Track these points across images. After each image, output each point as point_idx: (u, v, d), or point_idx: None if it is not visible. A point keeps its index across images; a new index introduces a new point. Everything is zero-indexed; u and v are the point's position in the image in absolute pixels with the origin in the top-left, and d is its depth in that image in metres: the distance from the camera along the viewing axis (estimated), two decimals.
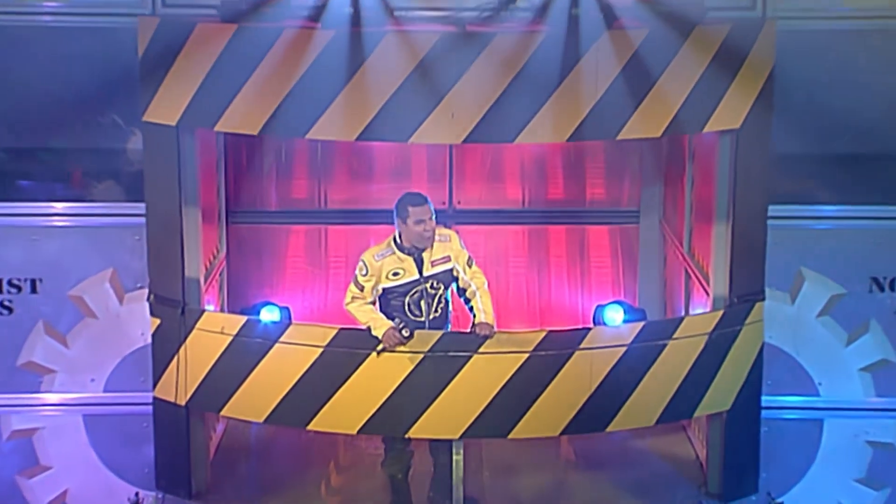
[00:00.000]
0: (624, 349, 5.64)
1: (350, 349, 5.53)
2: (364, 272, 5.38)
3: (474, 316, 5.33)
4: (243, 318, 5.73)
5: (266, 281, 7.25)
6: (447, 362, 5.45)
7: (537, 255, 7.40)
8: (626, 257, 7.40)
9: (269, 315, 6.66)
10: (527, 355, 5.51)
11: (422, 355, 5.47)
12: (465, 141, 5.44)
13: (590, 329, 5.82)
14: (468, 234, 6.06)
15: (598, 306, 7.23)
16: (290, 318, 6.84)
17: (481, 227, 7.20)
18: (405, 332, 5.24)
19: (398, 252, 5.40)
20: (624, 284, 7.43)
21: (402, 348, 5.39)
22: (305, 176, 7.20)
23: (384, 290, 5.43)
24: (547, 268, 7.40)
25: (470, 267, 5.47)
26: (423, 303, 5.43)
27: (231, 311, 6.63)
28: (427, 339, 5.48)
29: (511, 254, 7.37)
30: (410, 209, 5.28)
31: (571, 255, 7.44)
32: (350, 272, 5.69)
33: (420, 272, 5.38)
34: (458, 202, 7.25)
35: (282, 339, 5.65)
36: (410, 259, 5.35)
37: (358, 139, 5.40)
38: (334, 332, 5.57)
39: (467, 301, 5.43)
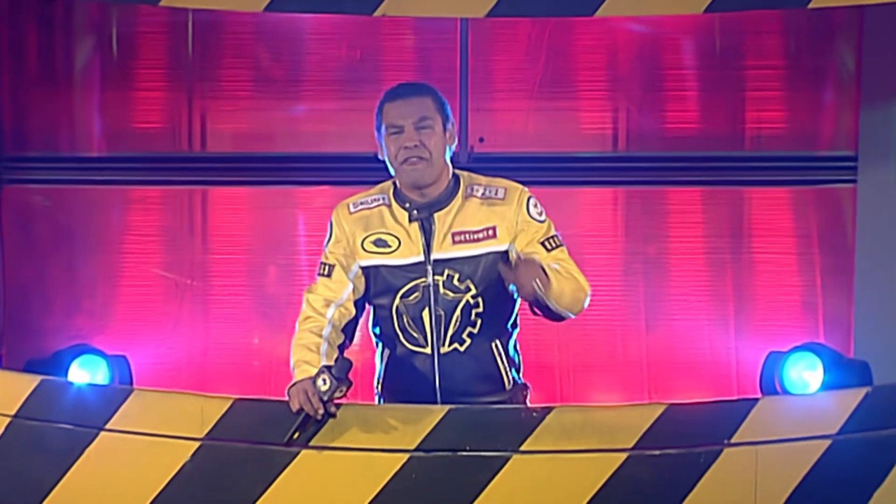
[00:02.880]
0: (827, 444, 4.55)
1: (255, 443, 4.47)
2: (329, 234, 4.44)
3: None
4: (33, 381, 4.66)
5: (79, 301, 6.61)
6: (458, 472, 4.40)
7: (638, 244, 6.66)
8: (827, 249, 6.57)
9: (84, 373, 6.17)
10: (623, 456, 4.48)
11: (405, 457, 4.37)
12: (492, 14, 4.94)
13: (755, 401, 4.60)
14: None
15: (771, 354, 6.44)
16: (129, 379, 6.29)
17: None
18: (323, 385, 4.22)
19: (394, 203, 4.46)
20: (823, 307, 6.58)
21: (348, 438, 4.40)
22: (160, 87, 6.59)
23: (364, 274, 4.43)
24: (658, 270, 6.63)
25: (550, 251, 4.51)
26: (426, 315, 4.33)
27: (6, 366, 6.26)
28: (414, 418, 4.38)
29: (585, 241, 6.58)
30: (385, 108, 4.47)
31: (712, 243, 6.65)
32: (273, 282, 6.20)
33: (426, 250, 4.36)
34: (480, 140, 6.56)
35: (113, 422, 4.53)
36: (413, 223, 4.42)
37: (268, 9, 4.87)
38: (224, 405, 4.43)
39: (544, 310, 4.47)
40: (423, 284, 4.50)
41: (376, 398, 4.68)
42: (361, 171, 6.10)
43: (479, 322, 4.53)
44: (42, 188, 6.60)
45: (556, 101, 6.59)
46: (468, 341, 4.56)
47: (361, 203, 4.62)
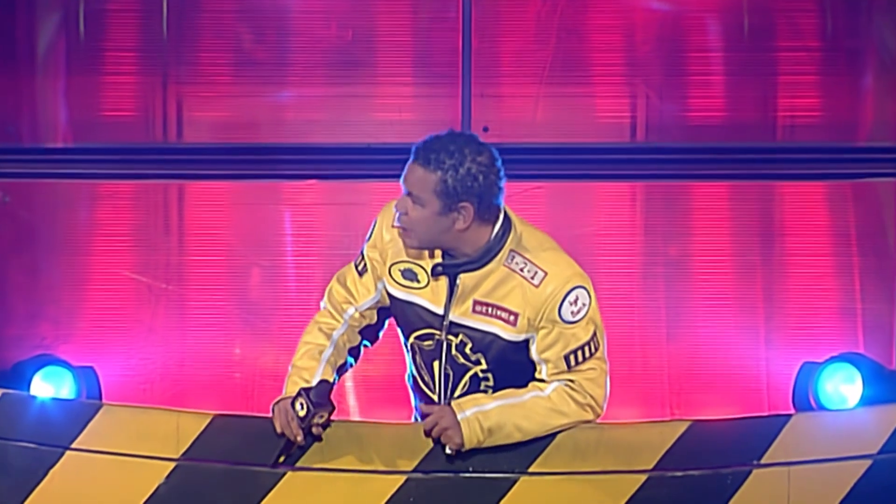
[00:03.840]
0: (867, 465, 4.53)
1: (236, 464, 4.49)
2: (370, 233, 4.45)
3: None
4: None
5: (43, 306, 6.59)
6: (461, 495, 4.45)
7: (658, 244, 6.61)
8: (867, 249, 6.52)
9: (48, 386, 6.21)
10: (643, 478, 4.48)
11: (402, 479, 4.41)
12: None
13: (788, 417, 4.63)
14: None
15: (805, 366, 6.45)
16: (97, 393, 6.33)
17: (530, 183, 6.50)
18: (301, 410, 4.34)
19: None
20: (862, 313, 6.52)
21: (345, 460, 4.50)
22: (132, 72, 6.55)
23: (391, 301, 4.47)
24: (681, 272, 6.59)
25: (569, 368, 4.40)
26: (436, 366, 4.36)
27: None
28: (412, 436, 4.42)
29: (600, 240, 6.61)
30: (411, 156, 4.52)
31: (740, 243, 6.60)
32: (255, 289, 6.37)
33: (446, 306, 4.36)
34: (485, 129, 6.50)
35: (79, 440, 4.57)
36: (442, 275, 4.45)
37: None
38: (202, 422, 4.46)
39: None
40: (437, 337, 4.46)
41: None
42: (353, 163, 6.36)
43: (489, 392, 4.51)
44: (1, 182, 6.54)
45: (568, 86, 6.56)
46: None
47: None
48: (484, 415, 4.37)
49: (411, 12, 6.64)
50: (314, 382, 4.44)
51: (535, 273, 4.36)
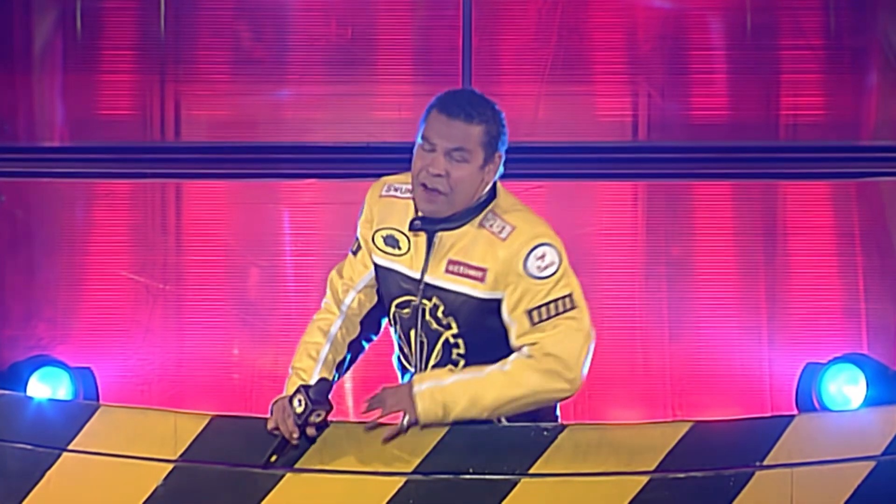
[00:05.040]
0: (871, 466, 4.47)
1: (234, 465, 4.43)
2: (361, 210, 4.53)
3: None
4: None
5: (39, 307, 6.61)
6: (460, 497, 4.37)
7: (660, 243, 6.65)
8: (871, 249, 6.57)
9: (45, 387, 6.26)
10: (644, 480, 4.42)
11: (401, 480, 4.38)
12: None
13: (791, 418, 4.57)
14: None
15: (808, 367, 6.48)
16: (94, 394, 6.35)
17: (531, 182, 6.46)
18: (298, 407, 4.35)
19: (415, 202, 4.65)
20: (866, 314, 6.57)
21: (343, 460, 4.45)
22: (129, 70, 6.59)
23: (376, 272, 4.53)
24: (683, 272, 6.63)
25: (532, 324, 4.38)
26: (413, 335, 4.36)
27: None
28: (412, 437, 4.37)
29: (601, 240, 6.68)
30: (430, 115, 4.41)
31: (742, 243, 6.65)
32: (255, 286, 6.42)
33: (423, 267, 4.38)
34: None
35: (76, 441, 4.50)
36: (421, 235, 4.45)
37: None
38: (200, 423, 4.42)
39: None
40: (413, 303, 4.46)
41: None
42: (352, 162, 6.36)
43: (461, 363, 4.47)
44: None
45: (569, 85, 6.60)
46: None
47: (395, 189, 4.54)
48: (440, 389, 4.37)
49: (411, 10, 6.66)
50: (312, 381, 4.44)
51: (504, 228, 4.39)
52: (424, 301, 4.45)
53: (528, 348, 4.40)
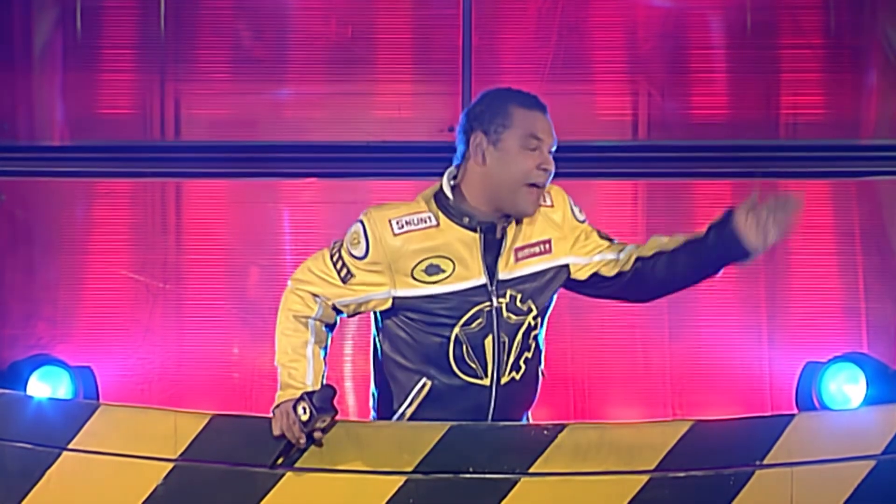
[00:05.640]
0: (871, 465, 4.47)
1: (235, 464, 4.42)
2: (363, 251, 4.34)
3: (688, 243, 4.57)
4: None
5: (39, 306, 6.59)
6: (460, 496, 4.37)
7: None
8: (871, 248, 6.56)
9: (45, 387, 6.21)
10: (644, 479, 4.41)
11: (401, 480, 4.35)
12: None
13: (791, 417, 4.56)
14: None
15: (808, 366, 6.46)
16: (94, 393, 6.31)
17: None
18: (304, 415, 4.31)
19: (444, 219, 4.36)
20: (866, 313, 6.56)
21: (347, 461, 4.40)
22: (129, 69, 6.57)
23: (399, 303, 4.35)
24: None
25: (611, 240, 4.56)
26: (488, 343, 4.30)
27: None
28: (412, 437, 4.38)
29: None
30: (520, 112, 4.34)
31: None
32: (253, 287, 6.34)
33: (489, 270, 4.32)
34: None
35: (76, 441, 4.50)
36: (473, 239, 4.36)
37: None
38: (201, 422, 4.40)
39: (635, 281, 4.55)
40: (486, 309, 4.44)
41: None
42: (352, 161, 6.32)
43: (533, 345, 4.52)
44: None
45: (569, 84, 6.56)
46: (524, 368, 4.53)
47: (406, 223, 4.46)
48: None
49: (411, 9, 6.63)
50: (307, 380, 4.44)
51: (544, 196, 4.48)
52: (500, 300, 4.44)
53: (627, 248, 4.60)
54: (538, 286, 4.52)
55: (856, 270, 6.61)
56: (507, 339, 4.46)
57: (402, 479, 4.43)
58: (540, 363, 4.64)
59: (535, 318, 4.53)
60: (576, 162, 6.39)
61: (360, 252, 4.48)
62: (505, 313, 4.46)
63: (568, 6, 6.57)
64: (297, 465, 4.50)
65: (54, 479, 4.56)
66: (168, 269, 6.60)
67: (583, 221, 4.63)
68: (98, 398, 6.26)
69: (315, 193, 6.32)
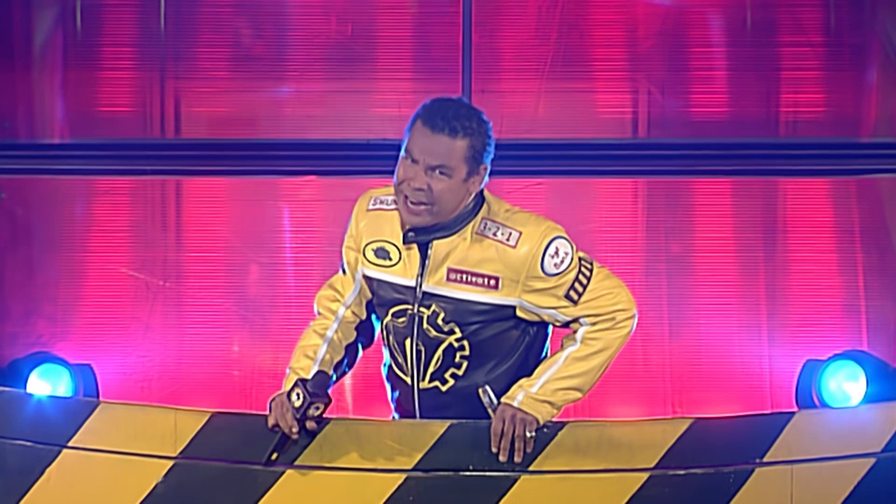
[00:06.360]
0: (871, 463, 4.49)
1: (235, 462, 4.44)
2: (349, 229, 4.53)
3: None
4: None
5: (39, 304, 6.60)
6: (460, 494, 4.38)
7: (660, 240, 6.66)
8: (871, 246, 6.54)
9: (45, 384, 6.23)
10: (644, 477, 4.43)
11: (401, 477, 4.37)
12: None
13: (791, 415, 4.58)
14: (501, 193, 4.80)
15: (808, 364, 6.45)
16: (94, 391, 6.33)
17: (531, 179, 6.53)
18: (297, 400, 4.36)
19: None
20: (866, 311, 6.55)
21: (349, 458, 4.43)
22: (129, 66, 6.57)
23: (366, 281, 4.50)
24: (683, 269, 6.63)
25: (575, 302, 4.42)
26: (409, 344, 4.35)
27: None
28: (412, 434, 4.41)
29: (601, 237, 6.63)
30: (415, 127, 4.33)
31: (742, 240, 6.64)
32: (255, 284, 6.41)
33: (419, 276, 4.37)
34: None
35: (76, 438, 4.53)
36: (413, 244, 4.43)
37: None
38: (201, 420, 4.44)
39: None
40: (409, 312, 4.45)
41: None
42: (352, 159, 6.32)
43: (464, 365, 4.46)
44: None
45: (569, 82, 6.55)
46: (451, 382, 4.49)
47: (381, 201, 4.53)
48: (535, 394, 4.37)
49: (411, 7, 6.60)
50: (308, 373, 4.43)
51: (510, 234, 4.37)
52: (422, 309, 4.43)
53: (585, 318, 4.43)
54: (467, 313, 4.48)
55: (856, 268, 6.59)
56: (423, 349, 4.46)
57: (403, 476, 4.44)
58: (483, 385, 4.55)
59: (458, 340, 4.49)
60: (576, 160, 6.52)
61: (348, 231, 4.55)
62: (425, 324, 4.46)
63: (568, 4, 6.55)
64: (297, 462, 4.49)
65: (54, 477, 4.56)
66: (168, 267, 6.59)
67: (553, 275, 4.48)
68: (98, 396, 6.24)
69: (315, 191, 6.30)
